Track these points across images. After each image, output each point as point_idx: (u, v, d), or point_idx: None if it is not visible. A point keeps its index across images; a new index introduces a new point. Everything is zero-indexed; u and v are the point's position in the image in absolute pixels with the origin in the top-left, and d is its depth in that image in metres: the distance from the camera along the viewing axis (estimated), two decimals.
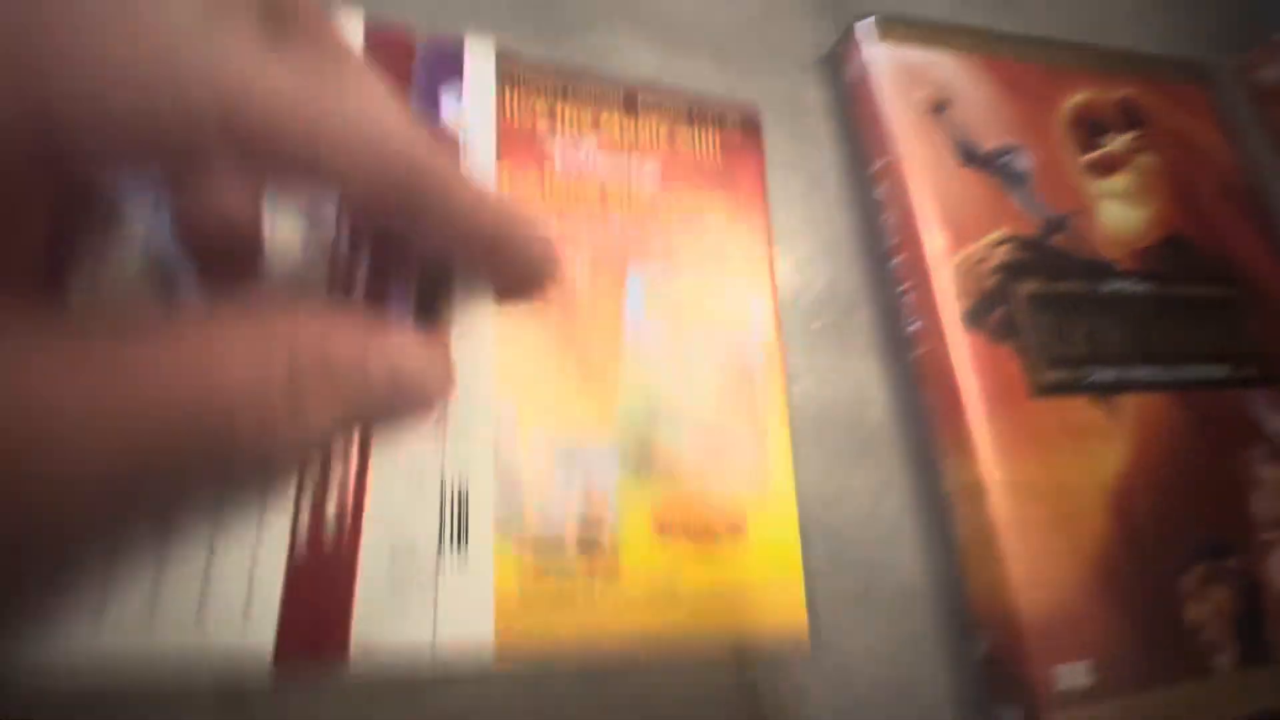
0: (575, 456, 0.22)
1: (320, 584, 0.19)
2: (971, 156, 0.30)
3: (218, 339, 0.15)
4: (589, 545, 0.21)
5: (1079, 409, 0.27)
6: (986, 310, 0.27)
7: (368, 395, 0.18)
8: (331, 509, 0.19)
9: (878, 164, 0.30)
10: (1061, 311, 0.28)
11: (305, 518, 0.19)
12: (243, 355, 0.15)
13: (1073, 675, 0.23)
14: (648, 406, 0.23)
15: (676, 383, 0.24)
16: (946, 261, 0.27)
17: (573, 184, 0.25)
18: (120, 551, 0.17)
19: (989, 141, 0.30)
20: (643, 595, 0.21)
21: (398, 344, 0.19)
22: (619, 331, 0.23)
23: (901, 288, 0.28)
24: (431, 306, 0.22)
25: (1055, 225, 0.30)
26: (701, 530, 0.22)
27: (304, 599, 0.18)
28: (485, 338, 0.22)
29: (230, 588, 0.18)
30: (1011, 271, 0.28)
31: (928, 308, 0.27)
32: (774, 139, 0.30)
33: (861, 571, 0.25)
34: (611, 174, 0.25)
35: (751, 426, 0.24)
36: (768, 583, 0.23)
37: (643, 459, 0.23)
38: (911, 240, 0.28)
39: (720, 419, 0.24)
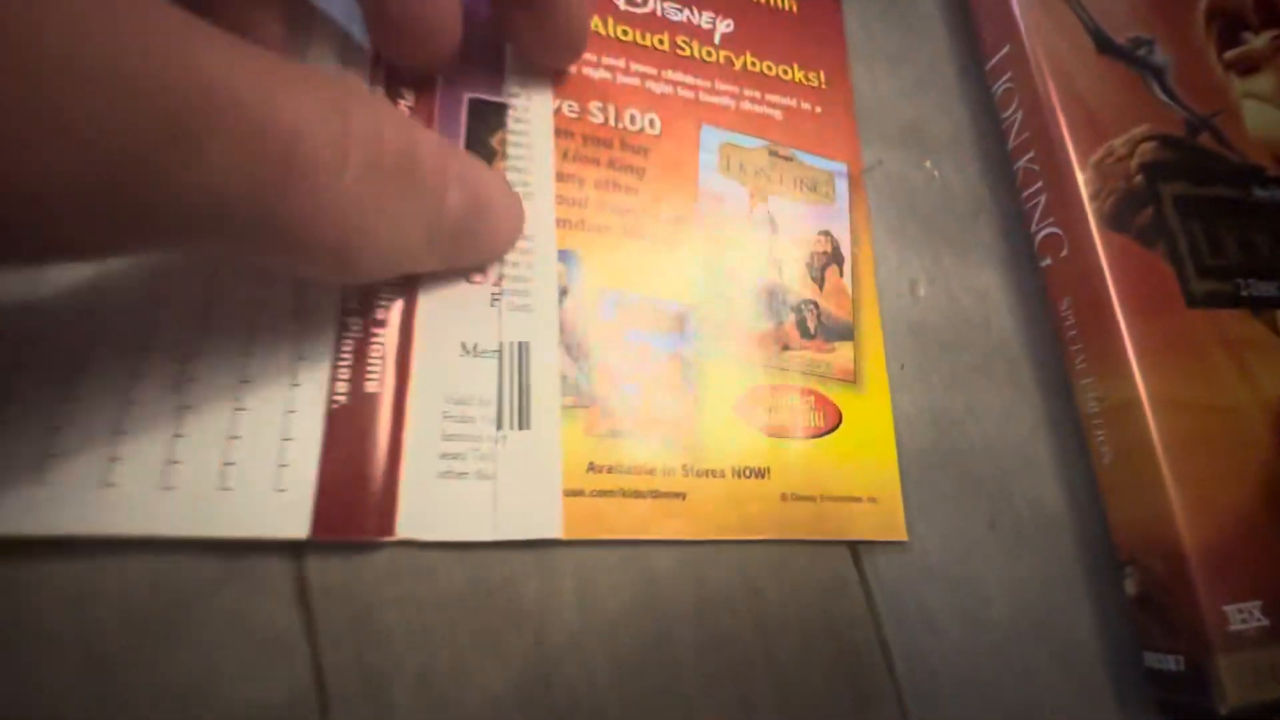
0: (647, 319, 0.20)
1: (362, 452, 0.16)
2: (1107, 45, 0.26)
3: (304, 80, 0.12)
4: (664, 422, 0.19)
5: (1237, 322, 0.24)
6: (1132, 211, 0.24)
7: (444, 208, 0.15)
8: (375, 368, 0.17)
9: (999, 54, 0.26)
10: (1211, 218, 0.25)
11: (344, 381, 0.16)
12: (321, 104, 0.12)
13: (1245, 616, 0.20)
14: (724, 270, 0.21)
15: (755, 249, 0.22)
16: (1085, 158, 0.24)
17: (638, 27, 0.22)
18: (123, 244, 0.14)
19: (1123, 33, 0.27)
20: (725, 488, 0.19)
21: (477, 166, 0.16)
22: (693, 188, 0.21)
23: (1030, 190, 0.25)
24: (481, 150, 0.19)
25: (1199, 124, 0.26)
26: (787, 421, 0.20)
27: (344, 467, 0.16)
28: (544, 180, 0.20)
29: (259, 451, 0.15)
30: (1157, 171, 0.25)
31: (1066, 209, 0.24)
32: (877, 28, 0.27)
33: (991, 498, 0.22)
34: (681, 25, 0.23)
35: (840, 311, 0.22)
36: (864, 487, 0.21)
37: (720, 330, 0.20)
38: (1044, 136, 0.25)
39: (804, 296, 0.22)
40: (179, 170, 0.11)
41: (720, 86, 0.23)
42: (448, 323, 0.18)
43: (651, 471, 0.18)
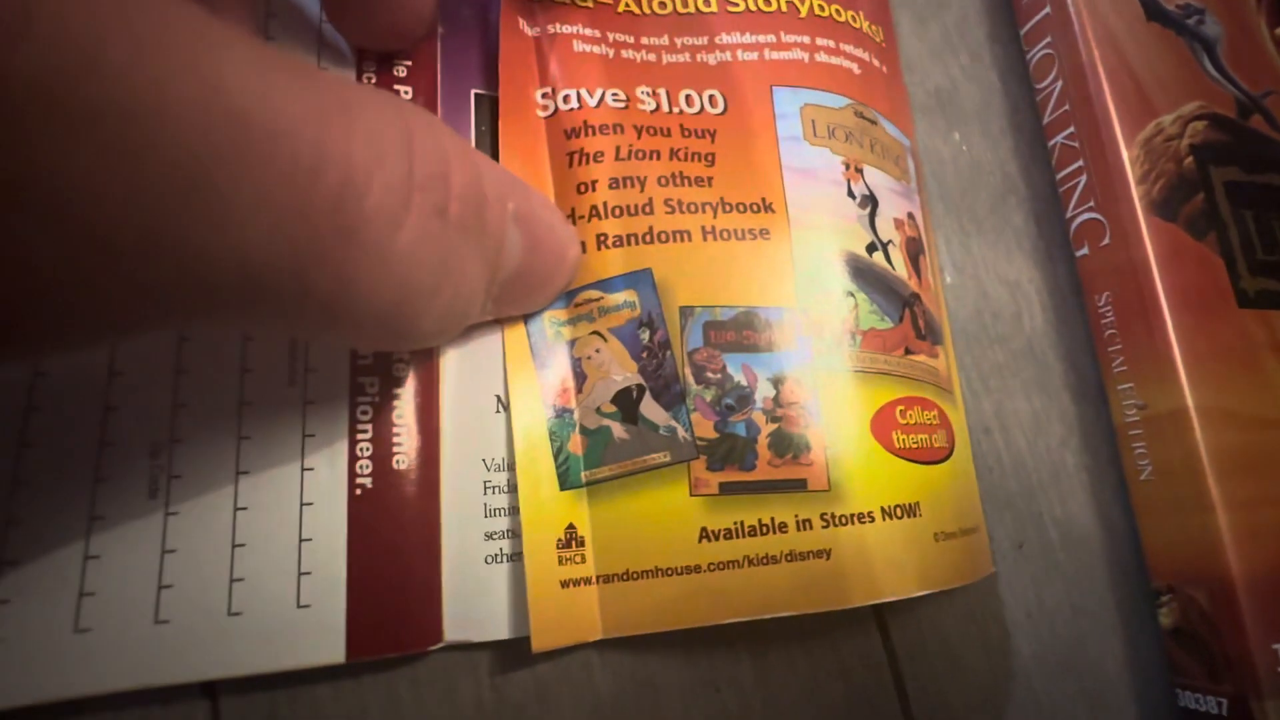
0: (748, 336, 0.16)
1: (395, 544, 0.13)
2: (1156, 11, 0.24)
3: (358, 105, 0.09)
4: (790, 455, 0.15)
5: None
6: (1183, 198, 0.21)
7: (503, 253, 0.12)
8: (400, 438, 0.14)
9: (1038, 15, 0.24)
10: (1264, 208, 0.22)
11: (365, 459, 0.13)
12: (380, 137, 0.09)
13: None
14: (830, 260, 0.17)
15: (862, 231, 0.17)
16: (1131, 137, 0.22)
17: (675, 1, 0.18)
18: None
19: (1172, 0, 0.24)
20: (876, 536, 0.15)
21: (531, 195, 0.13)
22: (775, 165, 0.17)
23: (1068, 170, 0.23)
24: None
25: (1250, 105, 0.24)
26: (923, 441, 0.16)
27: (376, 566, 0.13)
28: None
29: (271, 559, 0.12)
30: (1208, 154, 0.22)
31: (1109, 192, 0.21)
32: None
33: (1018, 516, 0.20)
34: None
35: (935, 309, 0.19)
36: (975, 515, 0.17)
37: (838, 335, 0.16)
38: (1086, 109, 0.22)
39: (911, 290, 0.18)
40: (197, 231, 0.08)
41: (788, 38, 0.18)
42: (480, 372, 0.14)
43: (784, 528, 0.15)
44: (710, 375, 0.15)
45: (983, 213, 0.22)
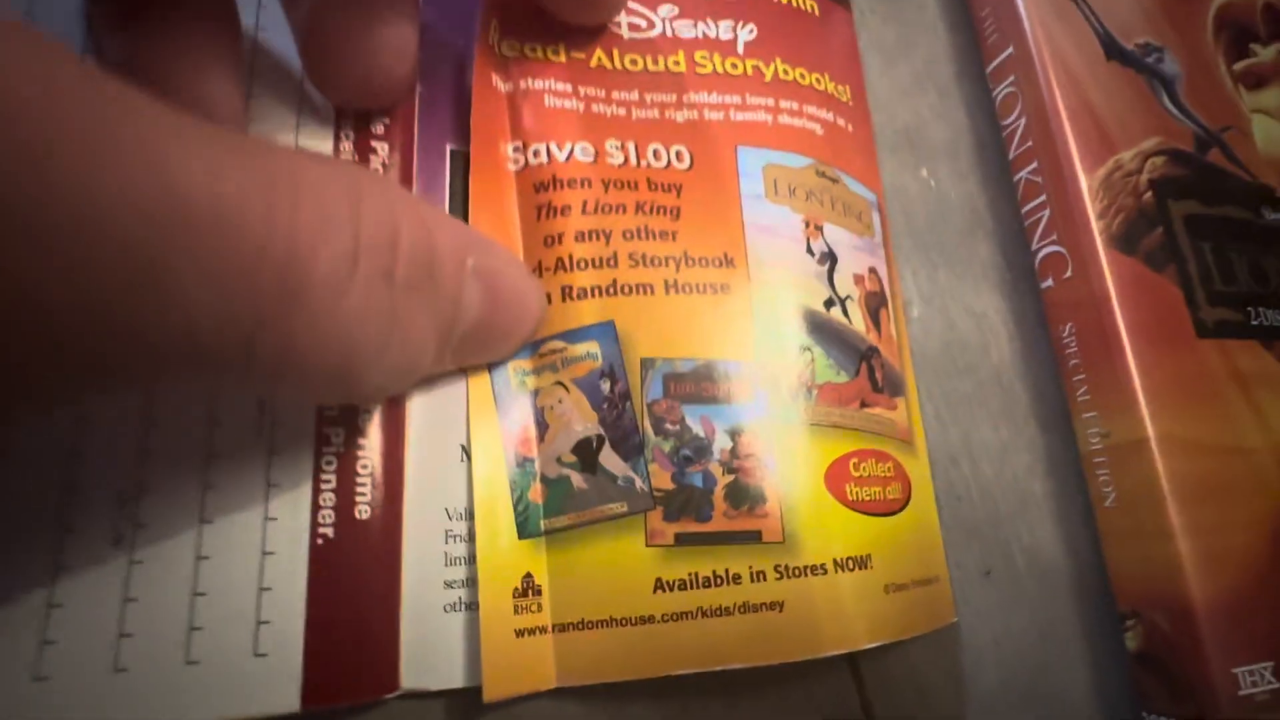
0: (707, 388, 0.16)
1: (354, 592, 0.13)
2: (1116, 51, 0.25)
3: (303, 176, 0.10)
4: (746, 507, 0.15)
5: (1247, 354, 0.22)
6: (1142, 232, 0.22)
7: (460, 309, 0.13)
8: (364, 488, 0.14)
9: (1002, 55, 0.24)
10: (1222, 241, 0.23)
11: (328, 509, 0.14)
12: (326, 207, 0.10)
13: (1255, 679, 0.18)
14: (788, 315, 0.17)
15: (819, 287, 0.18)
16: (1092, 172, 0.22)
17: (648, 53, 0.19)
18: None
19: (1132, 39, 0.25)
20: (826, 588, 0.15)
21: (492, 250, 0.14)
22: (738, 221, 0.18)
23: (1032, 204, 0.23)
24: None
25: (1209, 140, 0.25)
26: (876, 493, 0.17)
27: (335, 615, 0.13)
28: None
29: (231, 608, 0.12)
30: (1167, 188, 0.23)
31: (1070, 226, 0.22)
32: (871, 21, 0.25)
33: (985, 544, 0.20)
34: (696, 41, 0.20)
35: (894, 361, 0.19)
36: (934, 565, 0.18)
37: (794, 388, 0.17)
38: (1048, 146, 0.23)
39: (869, 343, 0.18)
40: (146, 309, 0.08)
41: (752, 100, 0.19)
42: (445, 422, 0.15)
43: (738, 579, 0.15)
44: (669, 426, 0.15)
45: (950, 246, 0.23)
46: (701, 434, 0.16)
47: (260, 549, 0.13)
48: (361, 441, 0.14)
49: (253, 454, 0.13)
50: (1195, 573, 0.19)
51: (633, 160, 0.18)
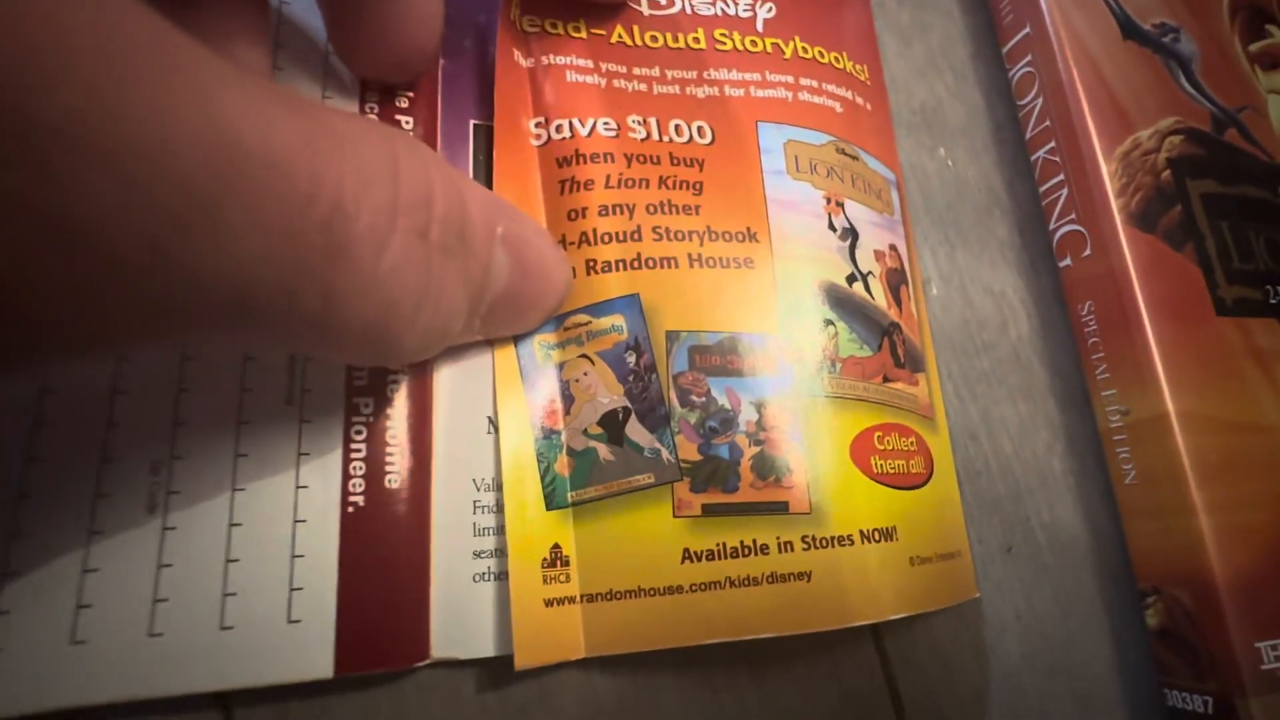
0: (732, 361, 0.16)
1: (385, 561, 0.13)
2: (1133, 30, 0.24)
3: (348, 134, 0.10)
4: (772, 478, 0.15)
5: (1266, 333, 0.22)
6: (1160, 210, 0.22)
7: (490, 275, 0.13)
8: (393, 458, 0.14)
9: (1019, 35, 0.24)
10: (1239, 220, 0.23)
11: (359, 478, 0.14)
12: (368, 165, 0.10)
13: (1278, 653, 0.18)
14: (811, 289, 0.17)
15: (841, 262, 0.18)
16: (1110, 151, 0.22)
17: (668, 30, 0.19)
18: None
19: (1148, 19, 0.25)
20: (854, 559, 0.15)
21: (522, 220, 0.14)
22: (760, 197, 0.18)
23: (1050, 184, 0.23)
24: None
25: (1226, 120, 0.25)
26: (901, 467, 0.17)
27: (367, 582, 0.13)
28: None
29: (265, 575, 0.13)
30: (1185, 167, 0.23)
31: (1089, 205, 0.22)
32: (889, 3, 0.25)
33: (1006, 520, 0.20)
34: (716, 19, 0.20)
35: (915, 337, 0.19)
36: (956, 539, 0.18)
37: (819, 361, 0.17)
38: (1066, 125, 0.23)
39: (891, 319, 0.18)
40: (199, 251, 0.08)
41: (772, 77, 0.19)
42: (471, 394, 0.15)
43: (765, 550, 0.15)
44: (695, 399, 0.15)
45: (968, 225, 0.23)
46: (727, 406, 0.16)
47: (293, 517, 0.13)
48: (390, 411, 0.14)
49: (284, 422, 0.13)
50: (1216, 549, 0.19)
51: (655, 135, 0.18)
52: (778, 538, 0.15)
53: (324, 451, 0.13)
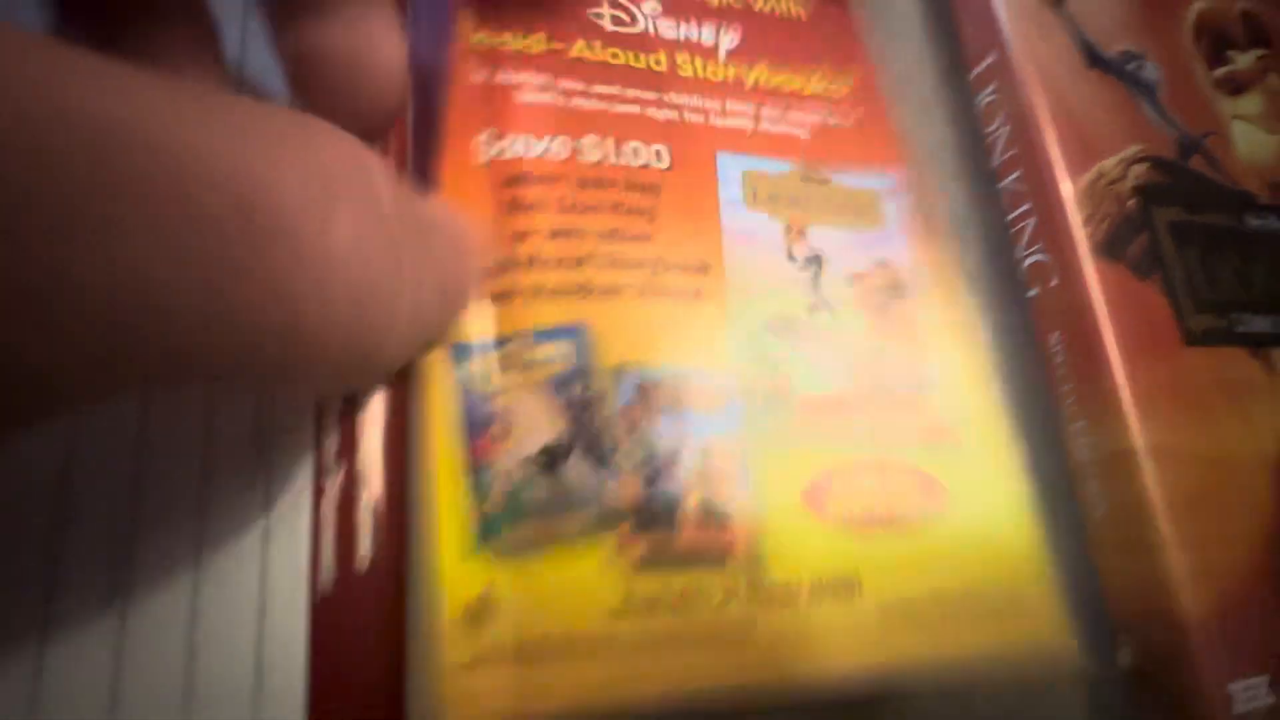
0: (680, 398, 0.15)
1: (359, 633, 0.13)
2: (1097, 58, 0.24)
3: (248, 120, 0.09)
4: (715, 523, 0.15)
5: (1233, 362, 0.22)
6: (1126, 239, 0.22)
7: (444, 250, 0.13)
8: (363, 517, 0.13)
9: (984, 63, 0.24)
10: (1206, 247, 0.23)
11: (328, 537, 0.13)
12: (308, 161, 0.09)
13: (1251, 694, 0.18)
14: (767, 323, 0.17)
15: (802, 292, 0.18)
16: (1075, 180, 0.22)
17: (630, 48, 0.19)
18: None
19: (1112, 46, 0.25)
20: (800, 611, 0.14)
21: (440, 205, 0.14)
22: (716, 227, 0.17)
23: (1017, 212, 0.23)
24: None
25: (1191, 146, 0.25)
26: (877, 506, 0.16)
27: (337, 659, 0.12)
28: None
29: (228, 653, 0.12)
30: (1150, 195, 0.23)
31: (1055, 234, 0.22)
32: None
33: None
34: (679, 43, 0.19)
35: (913, 355, 0.18)
36: (997, 582, 0.17)
37: (772, 397, 0.16)
38: (1031, 153, 0.23)
39: (870, 343, 0.18)
40: (81, 263, 0.07)
41: (732, 107, 0.19)
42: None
43: (707, 598, 0.14)
44: (639, 435, 0.15)
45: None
46: (672, 444, 0.15)
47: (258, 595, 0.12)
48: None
49: (249, 508, 0.13)
50: (1187, 586, 0.18)
51: (611, 157, 0.17)
52: (721, 585, 0.14)
53: (290, 531, 0.13)
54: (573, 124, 0.17)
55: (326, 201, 0.09)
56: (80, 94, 0.07)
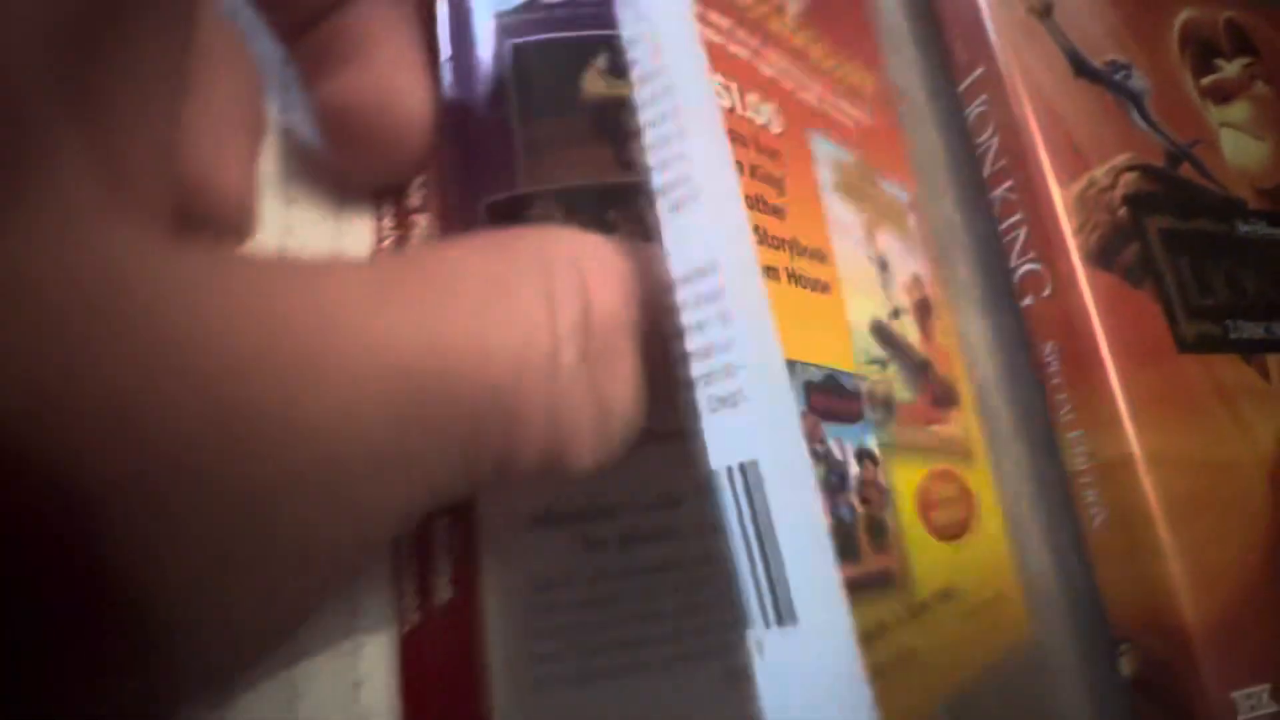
0: (835, 403, 0.13)
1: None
2: (1084, 68, 0.25)
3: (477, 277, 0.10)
4: (881, 543, 0.13)
5: (1228, 368, 0.22)
6: (1118, 247, 0.22)
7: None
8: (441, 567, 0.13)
9: (973, 75, 0.24)
10: (1198, 254, 0.23)
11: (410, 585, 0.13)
12: (512, 311, 0.10)
13: (1253, 702, 0.18)
14: (868, 326, 0.15)
15: (883, 297, 0.16)
16: (1066, 189, 0.22)
17: None
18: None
19: (1099, 56, 0.25)
20: (929, 625, 0.13)
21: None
22: (820, 213, 0.15)
23: (1009, 222, 0.23)
24: None
25: (1180, 154, 0.25)
26: (950, 517, 0.15)
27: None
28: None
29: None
30: (1141, 203, 0.23)
31: (1047, 244, 0.22)
32: None
33: None
34: None
35: (946, 372, 0.18)
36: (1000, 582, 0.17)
37: (886, 407, 0.15)
38: (1022, 164, 0.23)
39: (923, 356, 0.17)
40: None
41: (806, 81, 0.17)
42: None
43: (885, 631, 0.12)
44: (817, 448, 0.13)
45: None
46: (839, 457, 0.13)
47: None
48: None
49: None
50: (1188, 593, 0.18)
51: (738, 107, 0.14)
52: (892, 612, 0.13)
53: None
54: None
55: (555, 363, 0.10)
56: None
